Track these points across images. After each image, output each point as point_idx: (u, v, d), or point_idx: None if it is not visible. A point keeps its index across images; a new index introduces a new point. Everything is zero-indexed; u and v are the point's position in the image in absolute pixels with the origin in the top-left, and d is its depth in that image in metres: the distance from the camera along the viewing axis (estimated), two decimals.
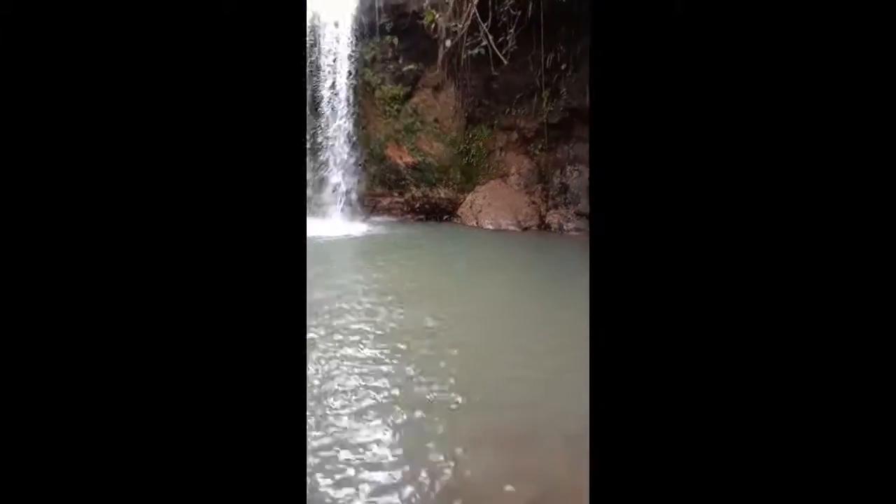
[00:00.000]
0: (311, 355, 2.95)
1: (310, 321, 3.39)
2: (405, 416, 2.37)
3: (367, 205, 8.42)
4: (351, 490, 1.85)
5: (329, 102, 8.16)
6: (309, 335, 3.21)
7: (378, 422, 2.31)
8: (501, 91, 8.50)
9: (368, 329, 3.45)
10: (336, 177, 8.16)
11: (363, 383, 2.67)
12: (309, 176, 7.97)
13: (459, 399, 2.54)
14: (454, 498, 1.82)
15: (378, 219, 8.39)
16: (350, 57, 8.22)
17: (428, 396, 2.56)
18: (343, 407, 2.43)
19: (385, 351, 3.10)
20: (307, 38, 7.72)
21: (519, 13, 7.34)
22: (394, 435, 2.22)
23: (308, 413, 2.28)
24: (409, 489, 1.87)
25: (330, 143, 8.14)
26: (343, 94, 8.19)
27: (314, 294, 3.98)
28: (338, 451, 2.07)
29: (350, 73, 8.21)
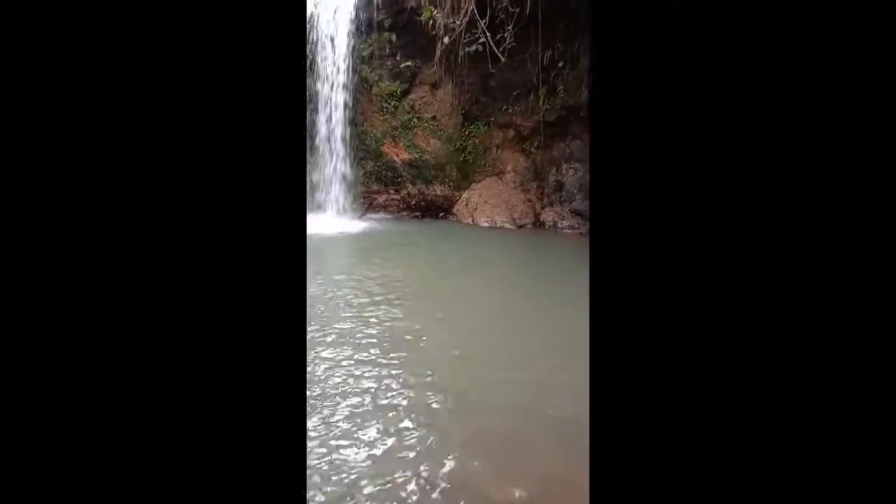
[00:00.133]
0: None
1: None
2: (400, 417, 2.37)
3: (363, 202, 8.40)
4: (343, 491, 1.85)
5: (325, 98, 8.13)
6: None
7: (369, 422, 2.30)
8: (498, 88, 8.50)
9: (361, 327, 3.44)
10: (332, 173, 8.13)
11: (355, 384, 2.66)
12: None
13: (453, 399, 2.54)
14: (453, 497, 1.83)
15: (374, 216, 8.37)
16: (347, 53, 8.19)
17: (423, 397, 2.56)
18: (333, 407, 2.43)
19: (378, 350, 3.09)
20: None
21: (517, 10, 7.34)
22: (385, 435, 2.22)
23: None
24: (405, 489, 1.87)
25: (326, 139, 8.12)
26: (340, 90, 8.16)
27: (308, 291, 3.97)
28: (327, 453, 2.07)
29: (347, 68, 8.18)
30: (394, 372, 2.80)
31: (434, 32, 8.05)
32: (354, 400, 2.48)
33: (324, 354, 2.98)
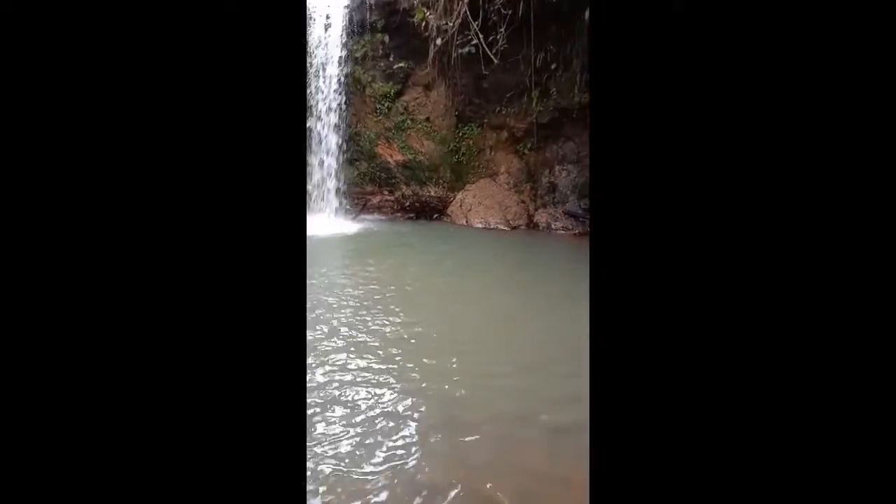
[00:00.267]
0: None
1: None
2: (394, 417, 2.36)
3: (357, 203, 8.38)
4: (336, 492, 1.84)
5: (319, 99, 8.11)
6: None
7: (363, 425, 2.29)
8: (492, 90, 8.52)
9: (355, 330, 3.42)
10: (326, 174, 8.11)
11: (349, 388, 2.64)
12: None
13: (449, 399, 2.54)
14: (450, 497, 1.82)
15: (368, 217, 8.35)
16: (341, 54, 8.17)
17: (418, 398, 2.55)
18: (326, 410, 2.41)
19: (373, 355, 3.08)
20: None
21: (509, 12, 7.36)
22: (380, 437, 2.21)
23: None
24: (400, 489, 1.86)
25: (320, 140, 8.09)
26: (333, 92, 8.14)
27: None
28: (322, 453, 2.06)
29: (340, 70, 8.17)
30: (388, 378, 2.79)
31: (427, 34, 8.05)
32: (347, 402, 2.47)
33: (317, 357, 2.97)
